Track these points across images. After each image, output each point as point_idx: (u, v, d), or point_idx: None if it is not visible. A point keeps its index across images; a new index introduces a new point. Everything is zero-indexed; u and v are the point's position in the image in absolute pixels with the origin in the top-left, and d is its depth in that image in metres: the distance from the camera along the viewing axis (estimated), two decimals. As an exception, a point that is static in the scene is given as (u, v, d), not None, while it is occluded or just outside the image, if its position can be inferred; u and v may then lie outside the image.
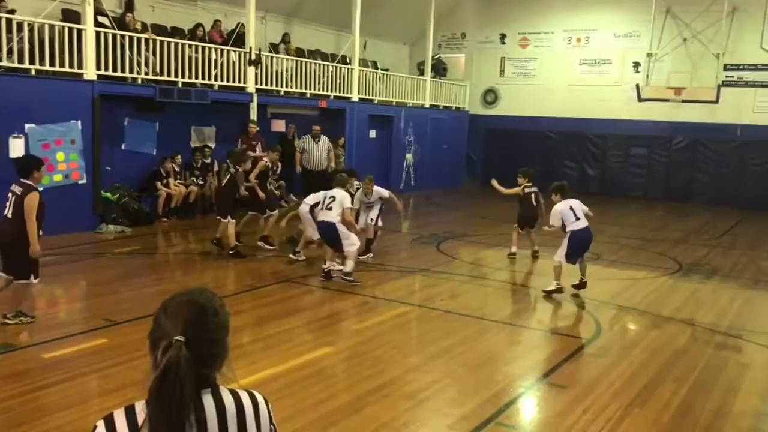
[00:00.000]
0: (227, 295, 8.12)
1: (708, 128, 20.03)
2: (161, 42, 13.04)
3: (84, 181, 11.83)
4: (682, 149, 20.74)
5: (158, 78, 12.98)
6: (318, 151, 15.24)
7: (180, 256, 11.12)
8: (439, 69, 22.51)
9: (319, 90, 16.97)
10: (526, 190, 11.25)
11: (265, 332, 7.02)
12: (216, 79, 14.12)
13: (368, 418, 4.97)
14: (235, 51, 14.62)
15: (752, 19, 19.48)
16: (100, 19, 12.19)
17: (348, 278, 8.92)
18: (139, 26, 13.07)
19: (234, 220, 10.39)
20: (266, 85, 15.44)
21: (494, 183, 11.50)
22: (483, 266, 10.91)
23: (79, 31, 11.57)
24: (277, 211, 11.23)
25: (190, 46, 13.58)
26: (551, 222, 8.89)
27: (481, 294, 9.23)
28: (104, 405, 4.91)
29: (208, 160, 14.51)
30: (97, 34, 11.81)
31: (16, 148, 10.67)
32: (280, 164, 12.25)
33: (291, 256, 10.18)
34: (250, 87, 14.93)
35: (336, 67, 17.72)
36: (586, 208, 8.90)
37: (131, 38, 12.46)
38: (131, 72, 12.49)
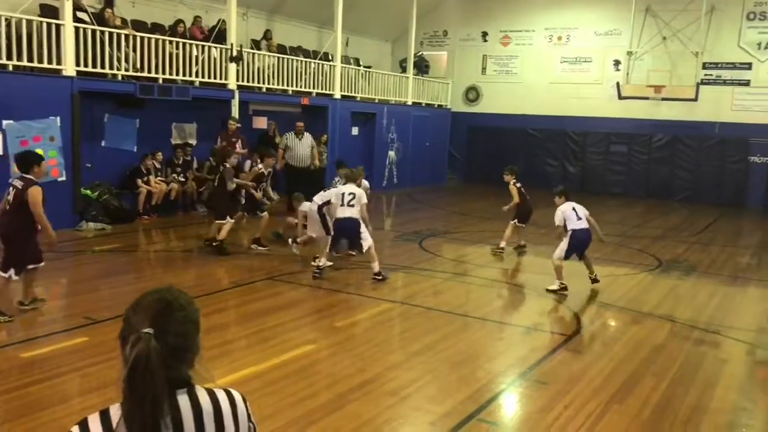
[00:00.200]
0: (210, 293, 8.10)
1: (687, 126, 20.27)
2: (141, 38, 12.92)
3: (63, 178, 11.70)
4: (661, 146, 20.96)
5: (138, 74, 12.86)
6: (301, 148, 15.22)
7: (161, 254, 11.05)
8: (422, 66, 22.54)
9: (301, 87, 16.93)
10: (517, 185, 11.54)
11: (247, 330, 7.01)
12: (197, 76, 14.02)
13: (350, 415, 4.98)
14: (216, 47, 14.51)
15: (730, 18, 19.73)
16: (79, 14, 12.03)
17: (378, 278, 9.06)
18: (119, 22, 12.94)
19: (232, 220, 10.43)
20: (248, 81, 15.36)
21: (505, 208, 11.75)
22: (465, 263, 10.96)
23: (58, 26, 11.45)
24: (266, 213, 11.23)
25: (170, 42, 13.46)
26: (555, 222, 9.11)
27: (464, 291, 9.27)
28: (85, 404, 4.87)
29: (189, 158, 14.42)
30: (76, 29, 11.69)
31: (-6, 144, 10.56)
32: (274, 168, 12.41)
33: (290, 241, 10.58)
34: (232, 84, 14.84)
35: (318, 64, 17.68)
36: (587, 212, 9.12)
37: (111, 34, 12.34)
38: (111, 68, 12.37)
